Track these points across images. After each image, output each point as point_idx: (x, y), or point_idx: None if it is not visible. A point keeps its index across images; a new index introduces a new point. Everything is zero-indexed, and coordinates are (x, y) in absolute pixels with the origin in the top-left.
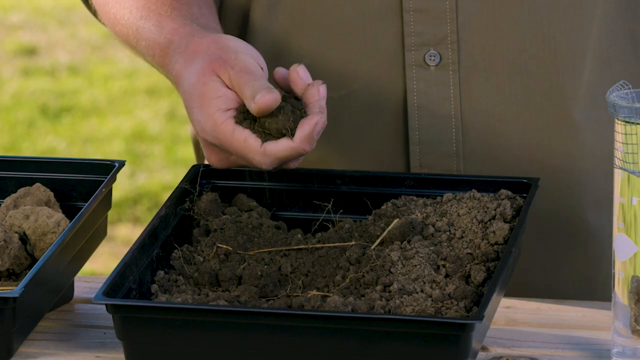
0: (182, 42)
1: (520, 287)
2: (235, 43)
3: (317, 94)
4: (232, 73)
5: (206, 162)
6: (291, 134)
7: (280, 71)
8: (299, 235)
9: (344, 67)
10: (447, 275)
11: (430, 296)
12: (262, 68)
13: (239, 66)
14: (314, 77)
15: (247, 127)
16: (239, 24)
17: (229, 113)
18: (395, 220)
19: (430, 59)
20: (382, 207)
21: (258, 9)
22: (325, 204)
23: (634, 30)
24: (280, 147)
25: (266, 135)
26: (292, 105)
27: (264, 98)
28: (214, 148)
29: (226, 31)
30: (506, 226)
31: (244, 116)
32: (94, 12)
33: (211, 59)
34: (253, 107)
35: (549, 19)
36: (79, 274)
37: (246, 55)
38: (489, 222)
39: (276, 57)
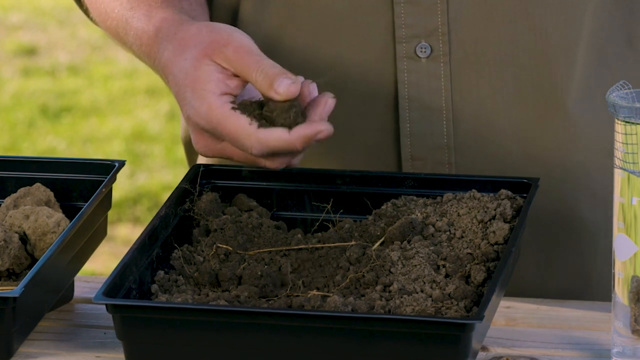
0: (171, 29)
1: (512, 283)
2: (225, 25)
3: (323, 105)
4: (228, 53)
5: (200, 163)
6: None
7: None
8: (299, 235)
9: (336, 60)
10: (447, 275)
11: (430, 296)
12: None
13: (234, 44)
14: (307, 71)
15: (244, 113)
16: (229, 22)
17: (224, 98)
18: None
19: (421, 51)
20: (382, 207)
21: (248, 3)
22: (325, 204)
23: (629, 24)
24: (274, 136)
25: (266, 124)
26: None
27: (290, 90)
28: (204, 133)
29: None
30: (506, 226)
31: (243, 105)
32: (85, 10)
33: (204, 45)
34: (276, 97)
35: (541, 10)
36: (79, 274)
37: (239, 33)
38: (489, 222)
39: (267, 51)
